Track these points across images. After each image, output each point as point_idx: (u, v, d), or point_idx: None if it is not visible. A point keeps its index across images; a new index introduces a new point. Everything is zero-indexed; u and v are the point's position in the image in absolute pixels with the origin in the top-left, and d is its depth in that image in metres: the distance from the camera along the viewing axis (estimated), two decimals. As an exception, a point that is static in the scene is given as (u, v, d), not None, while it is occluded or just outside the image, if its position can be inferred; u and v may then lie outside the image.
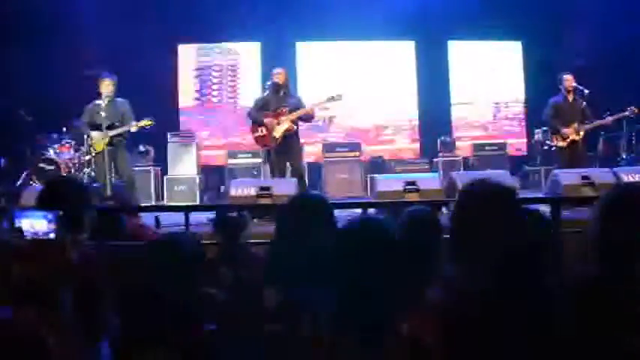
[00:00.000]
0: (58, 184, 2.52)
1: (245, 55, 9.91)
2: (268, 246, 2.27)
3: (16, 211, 2.01)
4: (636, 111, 7.29)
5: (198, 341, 1.83)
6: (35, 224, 1.89)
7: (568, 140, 7.23)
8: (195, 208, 5.53)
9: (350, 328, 1.67)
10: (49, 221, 1.90)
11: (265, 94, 7.06)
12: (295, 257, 2.04)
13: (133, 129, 6.65)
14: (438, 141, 9.46)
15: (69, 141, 7.99)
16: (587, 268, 1.75)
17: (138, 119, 6.67)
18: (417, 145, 10.07)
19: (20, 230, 1.87)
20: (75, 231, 2.30)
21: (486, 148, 9.39)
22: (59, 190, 2.42)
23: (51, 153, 7.90)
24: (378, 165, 9.04)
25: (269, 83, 6.99)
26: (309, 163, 8.63)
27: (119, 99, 6.77)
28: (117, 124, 6.61)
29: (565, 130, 7.23)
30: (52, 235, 1.88)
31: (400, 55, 10.15)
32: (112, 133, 6.55)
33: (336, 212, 2.40)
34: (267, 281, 2.11)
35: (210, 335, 1.91)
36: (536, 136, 9.36)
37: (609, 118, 7.36)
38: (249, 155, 8.79)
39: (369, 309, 1.67)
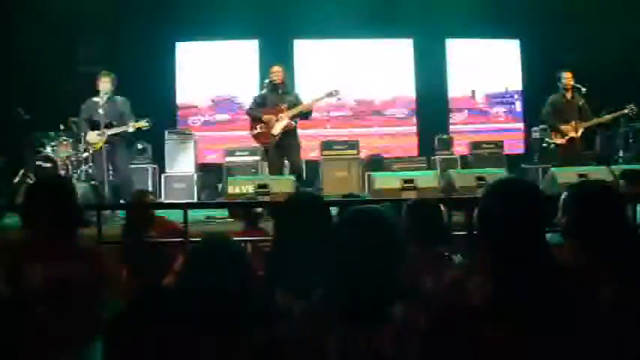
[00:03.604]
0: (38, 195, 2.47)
1: (243, 53, 9.89)
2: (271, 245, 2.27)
3: None
4: (635, 109, 7.29)
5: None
6: None
7: (567, 138, 7.24)
8: (193, 206, 5.55)
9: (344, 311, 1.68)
10: None
11: (263, 91, 7.08)
12: (298, 256, 2.04)
13: (131, 129, 6.61)
14: (436, 139, 9.46)
15: (66, 139, 7.95)
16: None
17: (137, 119, 6.65)
18: (415, 143, 10.07)
19: None
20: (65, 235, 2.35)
21: (483, 146, 9.37)
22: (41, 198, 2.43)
23: (48, 151, 7.87)
24: (376, 163, 9.03)
25: (267, 81, 7.01)
26: (307, 161, 8.59)
27: (119, 97, 6.73)
28: (115, 123, 6.58)
29: (564, 128, 7.24)
30: None
31: (398, 53, 10.14)
32: (109, 132, 6.52)
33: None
34: (275, 282, 2.12)
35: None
36: (534, 134, 9.36)
37: (608, 116, 7.37)
38: (247, 153, 8.77)
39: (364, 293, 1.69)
